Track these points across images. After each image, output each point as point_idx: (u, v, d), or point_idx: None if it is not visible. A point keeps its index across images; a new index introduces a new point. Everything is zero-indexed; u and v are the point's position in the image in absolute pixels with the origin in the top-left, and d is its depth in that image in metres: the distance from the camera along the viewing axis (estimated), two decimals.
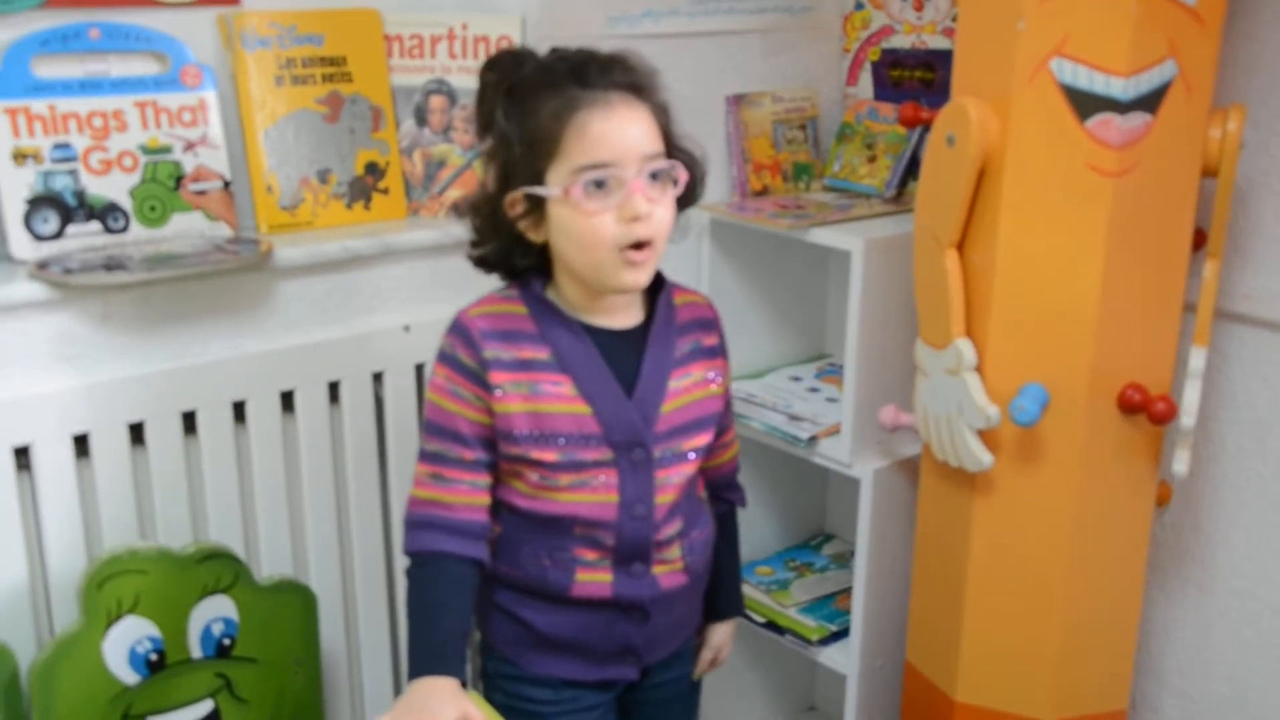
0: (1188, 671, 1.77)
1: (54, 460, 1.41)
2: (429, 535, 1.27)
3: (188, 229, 1.52)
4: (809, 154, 2.02)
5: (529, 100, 1.22)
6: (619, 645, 1.35)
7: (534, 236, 1.26)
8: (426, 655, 1.24)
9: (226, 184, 1.55)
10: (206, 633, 1.47)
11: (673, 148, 1.27)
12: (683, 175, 1.26)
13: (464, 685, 1.23)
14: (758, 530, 2.07)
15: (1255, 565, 1.66)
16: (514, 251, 1.29)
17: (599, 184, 1.20)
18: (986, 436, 1.46)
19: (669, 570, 1.34)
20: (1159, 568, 1.75)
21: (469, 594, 1.28)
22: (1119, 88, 1.34)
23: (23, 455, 1.40)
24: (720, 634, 1.54)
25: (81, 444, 1.43)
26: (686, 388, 1.34)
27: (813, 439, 1.77)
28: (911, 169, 1.91)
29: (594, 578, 1.31)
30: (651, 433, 1.29)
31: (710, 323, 1.39)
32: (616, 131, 1.20)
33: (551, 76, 1.22)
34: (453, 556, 1.27)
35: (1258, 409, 1.62)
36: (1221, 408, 1.65)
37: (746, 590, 1.94)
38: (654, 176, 1.22)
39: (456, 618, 1.26)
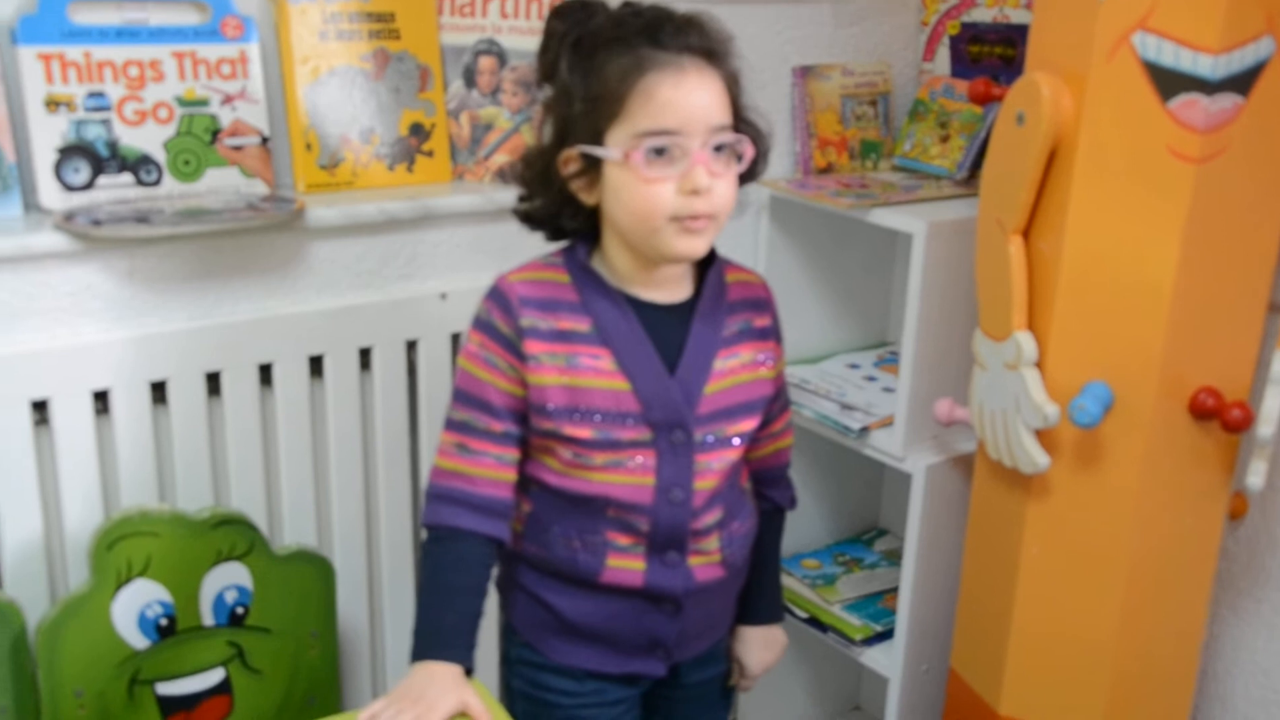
0: (1256, 697, 1.65)
1: (73, 416, 1.38)
2: (448, 509, 1.22)
3: (222, 185, 1.48)
4: (878, 131, 1.92)
5: (597, 55, 1.15)
6: (648, 638, 1.29)
7: (586, 198, 1.20)
8: (431, 638, 1.18)
9: (264, 140, 1.50)
10: (219, 600, 1.43)
11: (740, 120, 1.20)
12: (749, 151, 1.18)
13: (469, 673, 1.17)
14: (806, 521, 1.99)
15: None
16: (563, 211, 1.23)
17: (660, 151, 1.13)
18: (1044, 437, 1.37)
19: (705, 562, 1.28)
20: (1229, 584, 1.64)
21: (484, 575, 1.23)
22: (1208, 66, 1.23)
23: (41, 410, 1.37)
24: (752, 641, 1.44)
25: (102, 400, 1.40)
26: (733, 369, 1.27)
27: (864, 430, 1.69)
28: (986, 150, 1.80)
29: (626, 564, 1.25)
30: (694, 413, 1.23)
31: (763, 303, 1.32)
32: (685, 98, 1.13)
33: (623, 32, 1.15)
34: (470, 534, 1.21)
35: None
36: None
37: (790, 583, 1.87)
38: (719, 149, 1.15)
39: (467, 600, 1.21)
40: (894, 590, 1.85)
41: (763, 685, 1.97)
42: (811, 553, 1.98)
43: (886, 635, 1.76)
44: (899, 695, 1.72)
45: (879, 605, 1.83)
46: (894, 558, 1.97)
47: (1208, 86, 1.24)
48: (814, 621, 1.81)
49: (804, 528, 1.99)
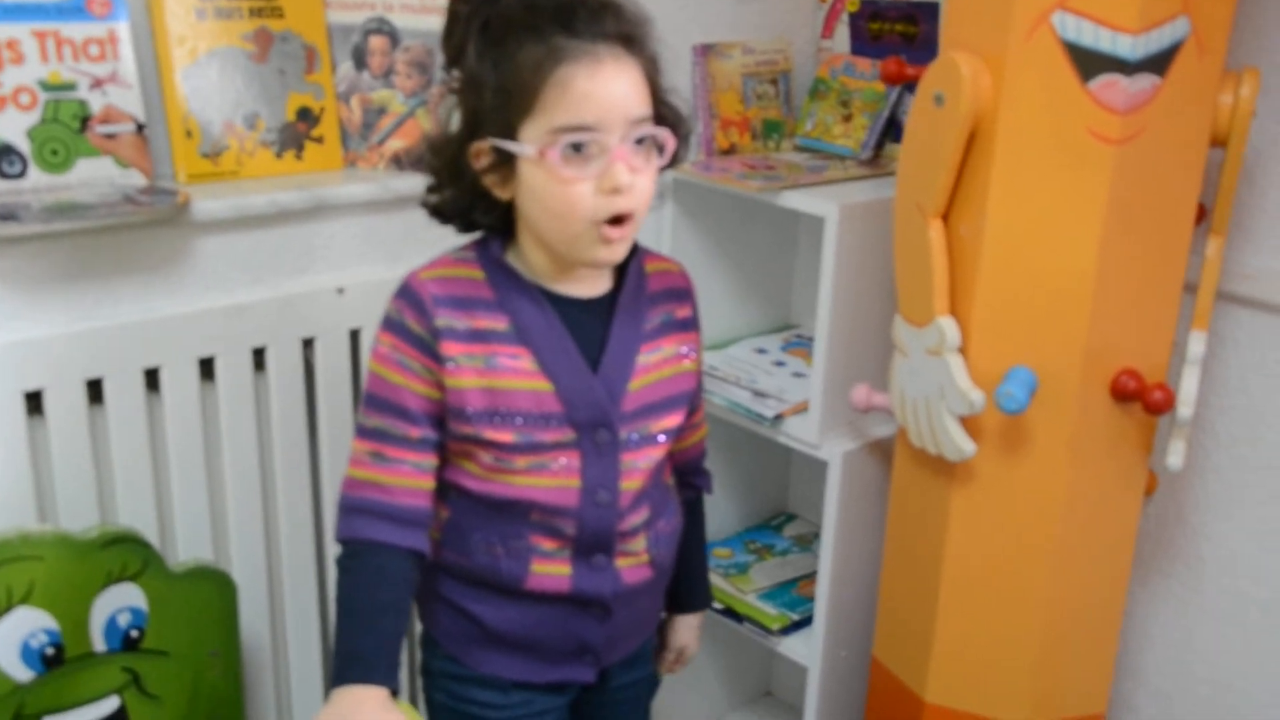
0: (1167, 670, 1.68)
1: None
2: (364, 522, 1.14)
3: (95, 176, 1.37)
4: (780, 111, 1.89)
5: (508, 42, 1.07)
6: (576, 644, 1.24)
7: (499, 193, 1.13)
8: (353, 661, 1.11)
9: (140, 127, 1.39)
10: (111, 624, 1.33)
11: (660, 104, 1.13)
12: (670, 142, 1.13)
13: (394, 694, 1.11)
14: (716, 509, 1.95)
15: (1243, 561, 1.57)
16: (475, 205, 1.16)
17: (578, 148, 1.06)
18: (969, 423, 1.35)
19: (633, 563, 1.23)
20: (1141, 561, 1.65)
21: (406, 590, 1.16)
22: (1127, 46, 1.22)
23: None
24: (684, 629, 1.43)
25: None
26: (656, 363, 1.22)
27: (778, 417, 1.66)
28: (889, 130, 1.79)
29: (551, 569, 1.19)
30: (618, 412, 1.18)
31: (684, 292, 1.27)
32: (602, 90, 1.06)
33: (533, 17, 1.07)
34: (389, 547, 1.14)
35: (1253, 396, 1.52)
36: (1214, 394, 1.55)
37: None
38: (639, 142, 1.09)
39: (390, 618, 1.14)
40: (808, 577, 1.83)
41: (673, 676, 1.93)
42: (722, 541, 1.95)
43: (804, 624, 1.74)
44: (818, 683, 1.69)
45: (793, 593, 1.80)
46: (805, 543, 1.95)
47: (1127, 67, 1.23)
48: (730, 612, 1.77)
49: (713, 516, 1.94)
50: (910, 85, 1.65)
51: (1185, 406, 1.35)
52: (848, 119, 1.83)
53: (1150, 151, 1.28)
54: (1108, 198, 1.27)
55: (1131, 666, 1.71)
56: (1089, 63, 1.24)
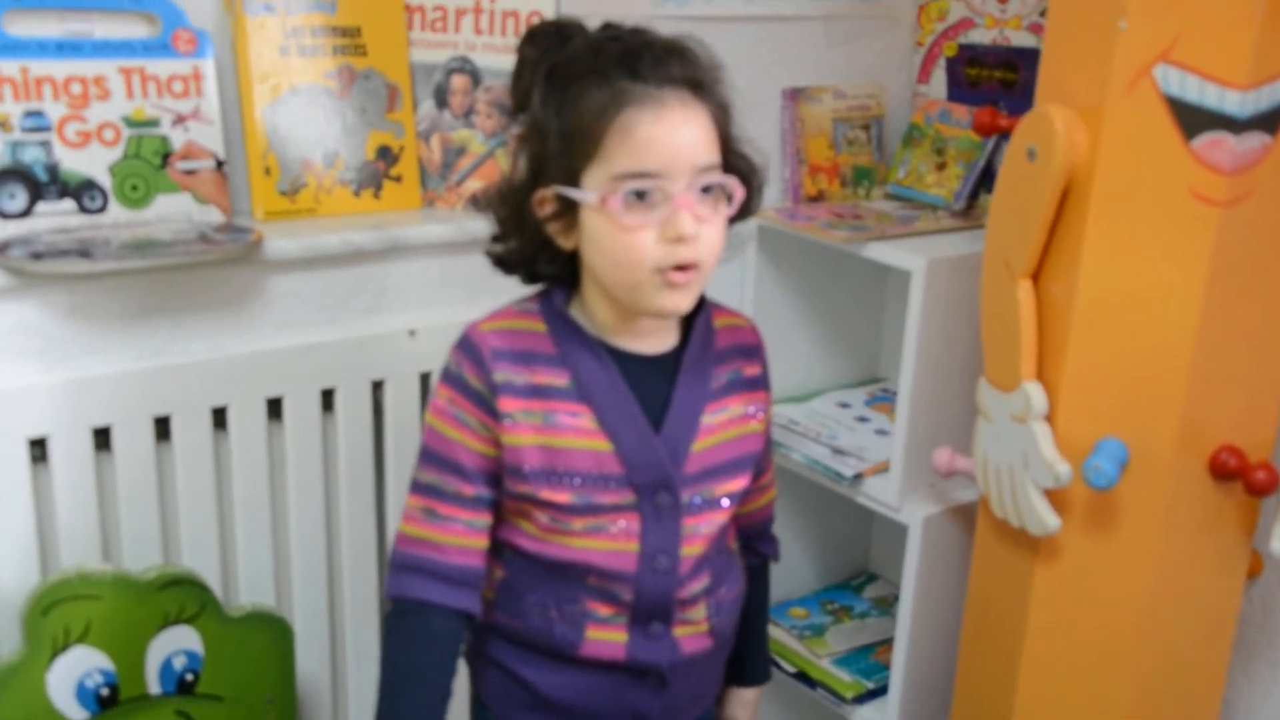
0: None
1: (5, 465, 1.26)
2: (414, 580, 1.12)
3: (174, 212, 1.37)
4: (871, 157, 1.83)
5: (572, 86, 1.05)
6: (630, 714, 1.19)
7: (563, 242, 1.10)
8: None
9: (220, 164, 1.40)
10: (167, 666, 1.32)
11: (730, 153, 1.10)
12: (739, 192, 1.08)
13: None
14: (793, 567, 1.90)
15: None
16: (539, 255, 1.13)
17: (641, 195, 1.03)
18: (1054, 496, 1.28)
19: (692, 632, 1.18)
20: (1243, 648, 1.55)
21: (453, 652, 1.13)
22: (1235, 103, 1.15)
23: None
24: (738, 704, 1.38)
25: (39, 449, 1.29)
26: (722, 424, 1.17)
27: (858, 476, 1.60)
28: (984, 180, 1.72)
29: (606, 636, 1.15)
30: (680, 474, 1.13)
31: (753, 349, 1.23)
32: (667, 137, 1.03)
33: (598, 62, 1.05)
34: (438, 607, 1.11)
35: None
36: None
37: (777, 634, 1.77)
38: (705, 190, 1.06)
39: (435, 679, 1.11)
40: (886, 642, 1.76)
41: None
42: (798, 600, 1.88)
43: (879, 692, 1.67)
44: None
45: (870, 659, 1.73)
46: (885, 605, 1.88)
47: (1235, 125, 1.15)
48: (802, 676, 1.71)
49: (790, 574, 1.89)
50: (1005, 136, 1.59)
51: None
52: (941, 167, 1.77)
53: (1258, 215, 1.20)
54: (1211, 262, 1.20)
55: None
56: (1193, 120, 1.17)
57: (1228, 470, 1.25)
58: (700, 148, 1.05)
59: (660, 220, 1.04)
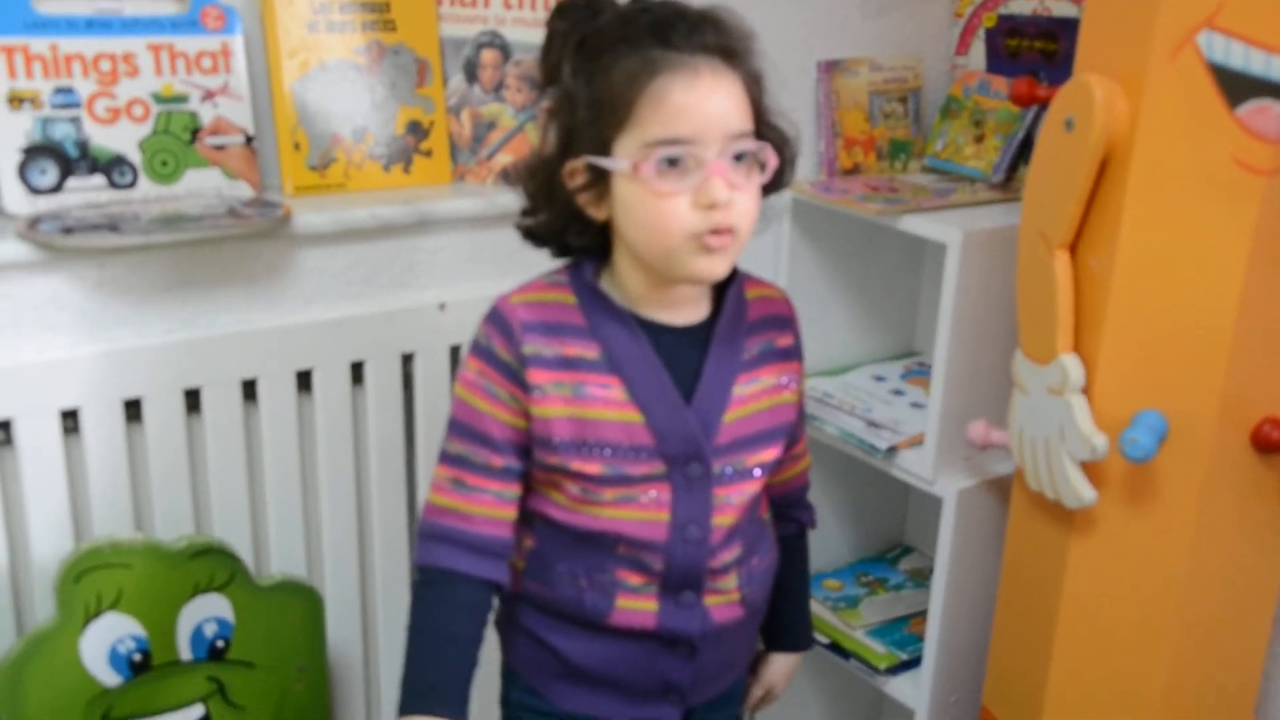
0: None
1: (39, 437, 1.27)
2: (442, 549, 1.12)
3: (203, 187, 1.38)
4: (908, 130, 1.81)
5: (602, 56, 1.04)
6: (660, 682, 1.19)
7: (594, 213, 1.09)
8: (422, 692, 1.09)
9: (249, 139, 1.40)
10: (198, 633, 1.33)
11: (762, 124, 1.08)
12: (771, 160, 1.07)
13: None
14: (827, 539, 1.88)
15: None
16: (569, 227, 1.12)
17: (673, 162, 1.02)
18: (1090, 469, 1.26)
19: (723, 601, 1.18)
20: None
21: (480, 622, 1.13)
22: None
23: (4, 430, 1.27)
24: (778, 667, 1.38)
25: (71, 420, 1.30)
26: (754, 394, 1.16)
27: (892, 449, 1.58)
28: (1023, 152, 1.69)
29: (637, 605, 1.15)
30: (711, 445, 1.13)
31: (786, 320, 1.22)
32: (700, 103, 1.02)
33: (630, 31, 1.04)
34: (466, 577, 1.12)
35: None
36: None
37: (810, 605, 1.76)
38: (738, 158, 1.04)
39: (462, 649, 1.11)
40: (921, 614, 1.74)
41: (779, 708, 1.87)
42: (833, 572, 1.87)
43: (913, 664, 1.65)
44: None
45: (905, 631, 1.72)
46: (920, 578, 1.86)
47: None
48: (836, 647, 1.70)
49: (825, 546, 1.88)
50: (1044, 107, 1.56)
51: None
52: (980, 139, 1.74)
53: None
54: (1254, 232, 1.17)
55: None
56: (1238, 86, 1.14)
57: (1270, 443, 1.22)
58: (733, 115, 1.04)
59: (693, 187, 1.03)
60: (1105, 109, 1.17)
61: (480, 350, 1.12)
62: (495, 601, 1.17)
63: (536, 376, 1.09)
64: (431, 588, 1.12)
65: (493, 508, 1.12)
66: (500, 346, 1.10)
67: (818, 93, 1.73)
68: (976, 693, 1.61)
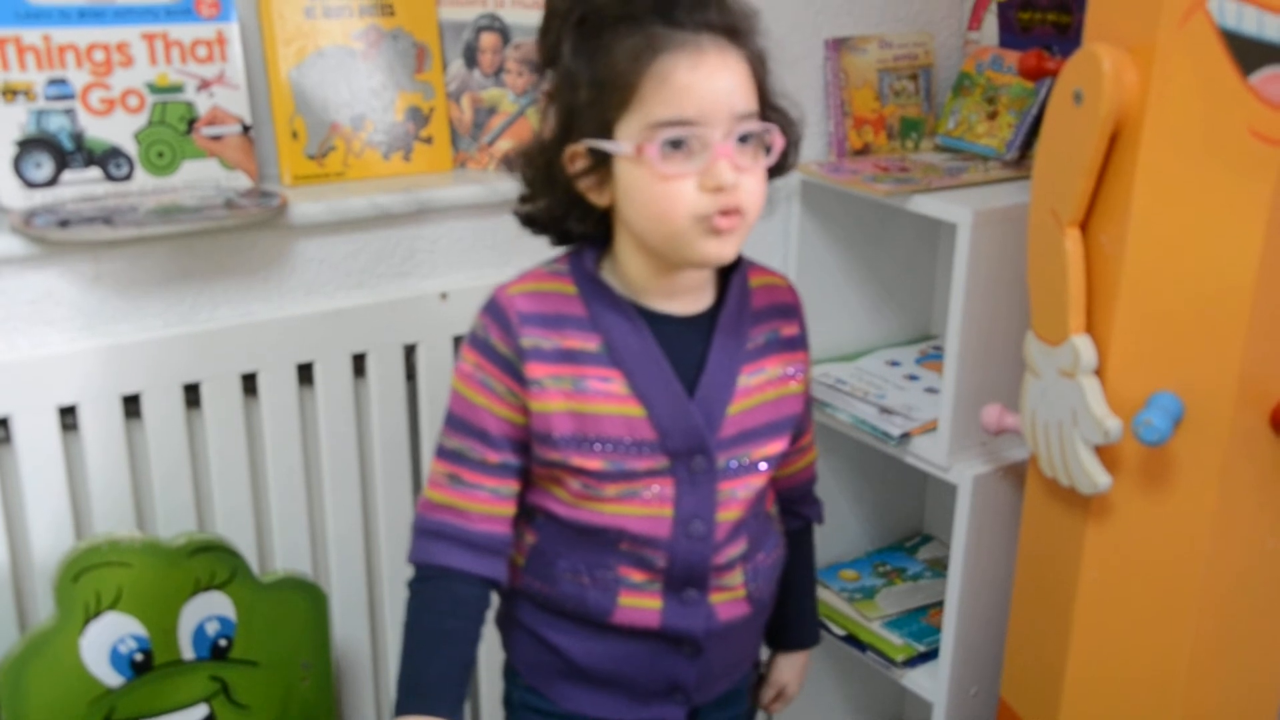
0: None
1: (37, 434, 1.27)
2: (438, 546, 1.10)
3: (200, 178, 1.36)
4: (919, 108, 1.77)
5: (603, 34, 1.01)
6: (665, 682, 1.17)
7: (596, 198, 1.06)
8: (417, 691, 1.07)
9: (246, 128, 1.38)
10: (199, 632, 1.32)
11: (767, 105, 1.06)
12: (778, 141, 1.05)
13: None
14: (844, 528, 1.86)
15: None
16: (570, 214, 1.09)
17: (678, 144, 0.99)
18: (1104, 453, 1.22)
19: (728, 599, 1.15)
20: None
21: (476, 620, 1.11)
22: None
23: (1, 427, 1.26)
24: (787, 667, 1.36)
25: (69, 416, 1.29)
26: (759, 385, 1.14)
27: (905, 436, 1.55)
28: (1038, 128, 1.65)
29: (640, 603, 1.12)
30: (716, 438, 1.10)
31: (791, 309, 1.19)
32: (705, 83, 0.99)
33: (632, 8, 1.01)
34: (462, 575, 1.10)
35: None
36: None
37: (825, 596, 1.73)
38: (744, 140, 1.02)
39: (457, 648, 1.10)
40: (939, 605, 1.71)
41: (797, 707, 1.84)
42: (850, 562, 1.84)
43: (930, 655, 1.63)
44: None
45: (922, 622, 1.69)
46: (939, 567, 1.83)
47: None
48: (852, 639, 1.67)
49: (841, 535, 1.85)
50: (1055, 80, 1.52)
51: None
52: (993, 117, 1.70)
53: None
54: (1271, 205, 1.13)
55: None
56: (1251, 53, 1.10)
57: None
58: (738, 95, 1.01)
59: (699, 169, 1.00)
60: (1114, 80, 1.14)
61: (477, 342, 1.10)
62: (494, 599, 1.15)
63: (535, 370, 1.07)
64: (428, 585, 1.10)
65: (490, 504, 1.10)
66: (497, 339, 1.08)
67: (826, 72, 1.69)
68: (997, 685, 1.58)
